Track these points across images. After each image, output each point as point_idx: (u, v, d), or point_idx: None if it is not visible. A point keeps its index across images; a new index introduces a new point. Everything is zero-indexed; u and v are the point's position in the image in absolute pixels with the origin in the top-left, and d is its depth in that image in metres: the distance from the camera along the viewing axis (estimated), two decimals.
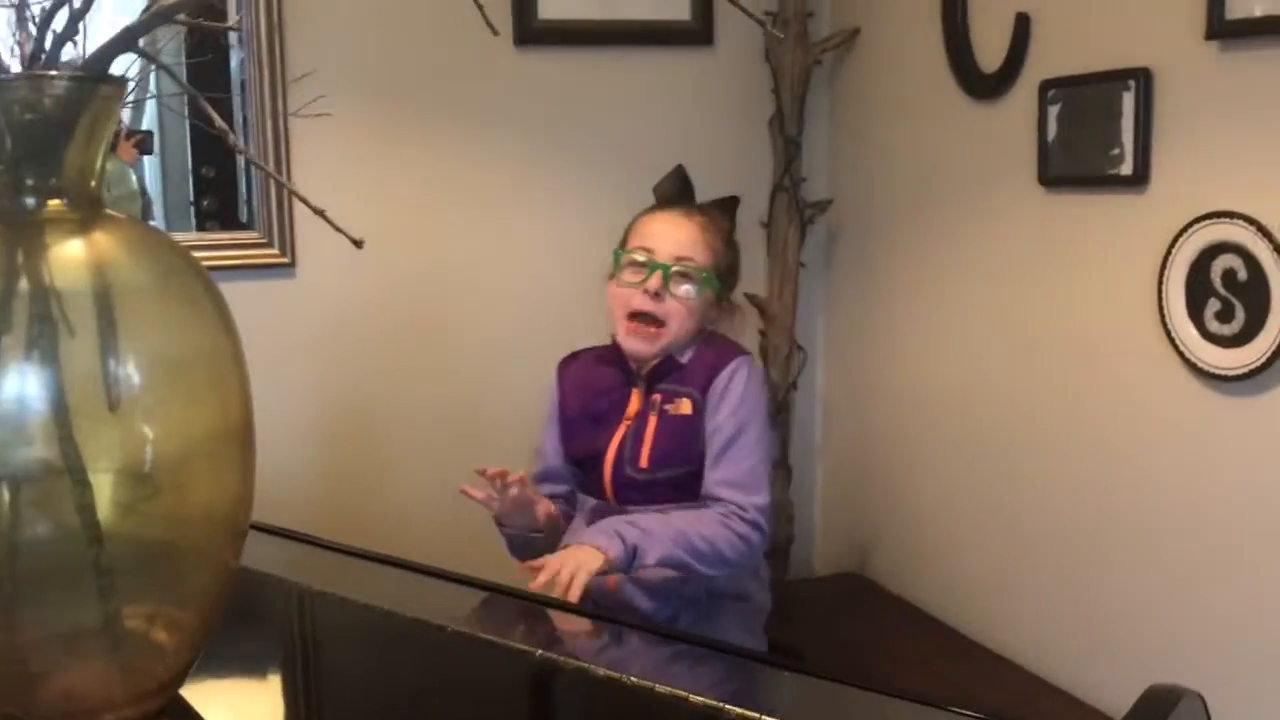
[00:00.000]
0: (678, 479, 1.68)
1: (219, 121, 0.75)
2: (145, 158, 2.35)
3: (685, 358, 1.72)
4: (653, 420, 1.68)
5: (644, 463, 1.67)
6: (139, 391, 0.83)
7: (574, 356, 1.83)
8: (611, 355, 1.76)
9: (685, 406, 1.68)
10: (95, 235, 0.86)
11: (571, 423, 1.77)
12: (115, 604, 0.83)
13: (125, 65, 0.87)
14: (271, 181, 2.33)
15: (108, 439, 0.82)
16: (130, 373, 0.83)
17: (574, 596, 1.47)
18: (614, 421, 1.72)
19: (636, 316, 1.67)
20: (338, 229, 0.74)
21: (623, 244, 1.75)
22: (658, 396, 1.70)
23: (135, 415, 0.83)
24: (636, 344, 1.69)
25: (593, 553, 1.53)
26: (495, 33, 0.76)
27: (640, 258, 1.69)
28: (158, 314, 0.88)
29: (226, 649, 1.10)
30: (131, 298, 0.86)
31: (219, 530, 0.90)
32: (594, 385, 1.76)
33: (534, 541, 1.69)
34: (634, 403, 1.72)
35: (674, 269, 1.67)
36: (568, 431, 1.77)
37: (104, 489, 0.81)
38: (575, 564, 1.50)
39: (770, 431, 1.91)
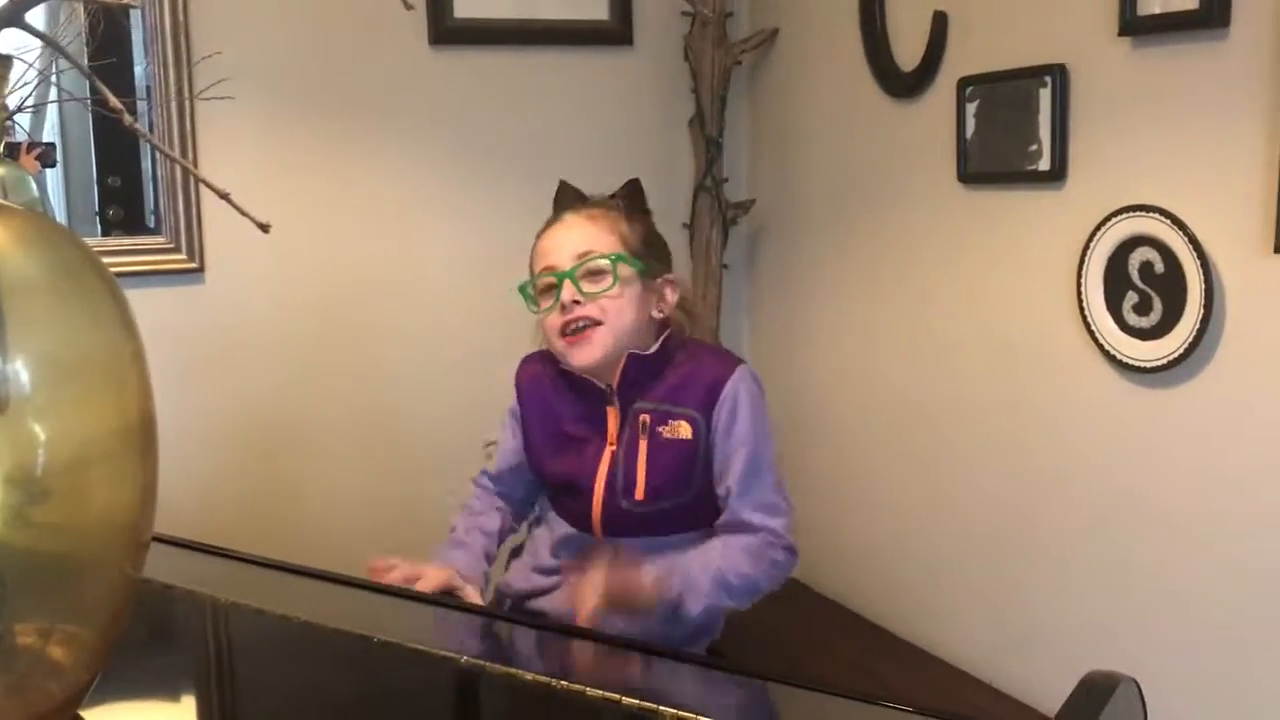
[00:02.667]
0: (677, 509, 1.52)
1: (114, 101, 0.71)
2: (48, 170, 2.27)
3: (676, 376, 1.53)
4: (644, 446, 1.51)
5: (640, 495, 1.50)
6: (29, 391, 0.78)
7: (534, 360, 1.65)
8: (572, 376, 1.57)
9: (684, 430, 1.51)
10: None
11: (540, 448, 1.60)
12: (5, 619, 0.78)
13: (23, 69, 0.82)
14: (179, 187, 2.26)
15: None
16: (19, 371, 0.77)
17: (586, 621, 1.38)
18: (594, 446, 1.55)
19: (566, 332, 1.51)
20: (243, 212, 0.70)
21: (529, 275, 1.58)
22: (646, 418, 1.52)
23: (25, 416, 0.77)
24: (580, 355, 1.51)
25: (642, 594, 1.40)
26: (409, 7, 0.72)
27: (547, 279, 1.53)
28: (51, 311, 0.82)
29: (132, 666, 1.05)
30: (22, 293, 0.80)
31: (118, 540, 0.85)
32: (561, 408, 1.59)
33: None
34: (613, 422, 1.54)
35: (578, 270, 1.51)
36: (536, 455, 1.61)
37: None
38: (622, 598, 1.39)
39: None
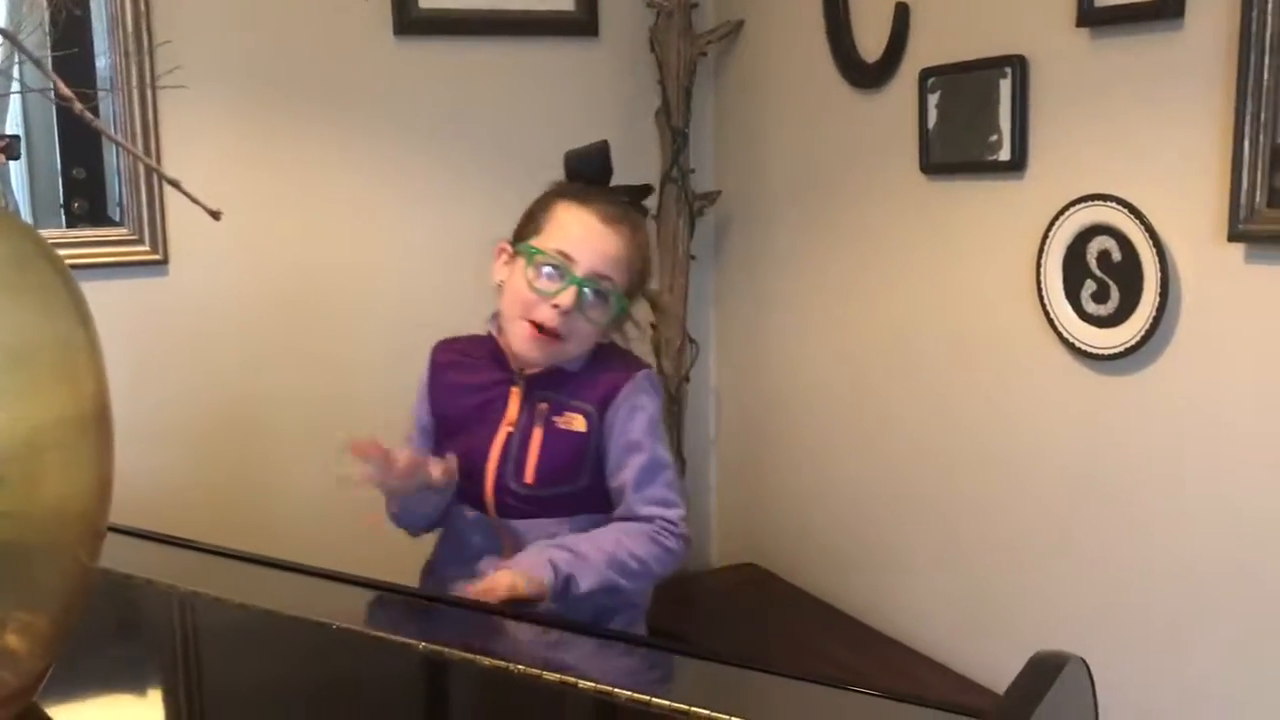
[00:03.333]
0: (567, 495, 1.56)
1: (63, 88, 0.70)
2: (12, 163, 2.26)
3: (574, 367, 1.58)
4: (538, 433, 1.54)
5: (529, 479, 1.54)
6: None
7: (448, 345, 1.67)
8: (488, 348, 1.61)
9: (578, 423, 1.54)
10: None
11: (446, 420, 1.63)
12: None
13: None
14: (142, 179, 2.25)
15: None
16: None
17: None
18: (492, 423, 1.57)
19: (537, 324, 1.51)
20: (193, 199, 0.70)
21: (535, 230, 1.55)
22: (544, 406, 1.55)
23: None
24: (532, 351, 1.53)
25: (526, 578, 1.41)
26: None
27: (556, 264, 1.51)
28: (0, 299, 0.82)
29: (91, 656, 1.05)
30: None
31: (73, 528, 0.85)
32: (468, 380, 1.61)
33: (429, 499, 1.56)
34: (514, 405, 1.57)
35: (591, 290, 1.51)
36: (441, 429, 1.63)
37: None
38: (508, 588, 1.39)
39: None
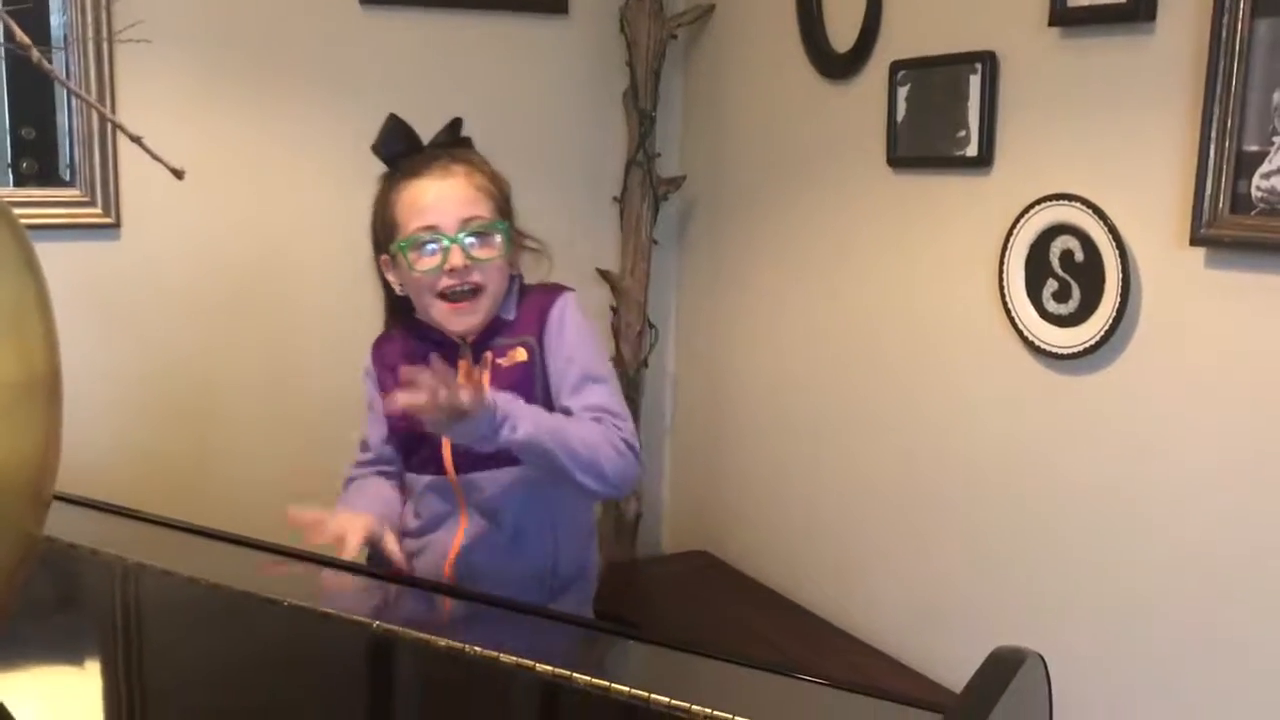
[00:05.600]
0: None
1: (20, 35, 0.67)
2: None
3: (511, 314, 1.59)
4: (486, 377, 1.54)
5: None
6: None
7: (387, 337, 1.68)
8: (429, 331, 1.60)
9: (520, 354, 1.57)
10: None
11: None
12: None
13: None
14: (95, 140, 2.19)
15: None
16: None
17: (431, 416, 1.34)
18: None
19: (449, 296, 1.53)
20: (155, 157, 0.68)
21: (394, 228, 1.56)
22: (489, 354, 1.57)
23: None
24: (461, 321, 1.55)
25: (467, 401, 1.35)
26: None
27: (426, 238, 1.52)
28: None
29: (36, 627, 1.02)
30: None
31: (18, 495, 0.82)
32: (415, 361, 1.55)
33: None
34: (464, 370, 1.55)
35: (468, 236, 1.52)
36: (394, 416, 1.60)
37: None
38: (450, 402, 1.33)
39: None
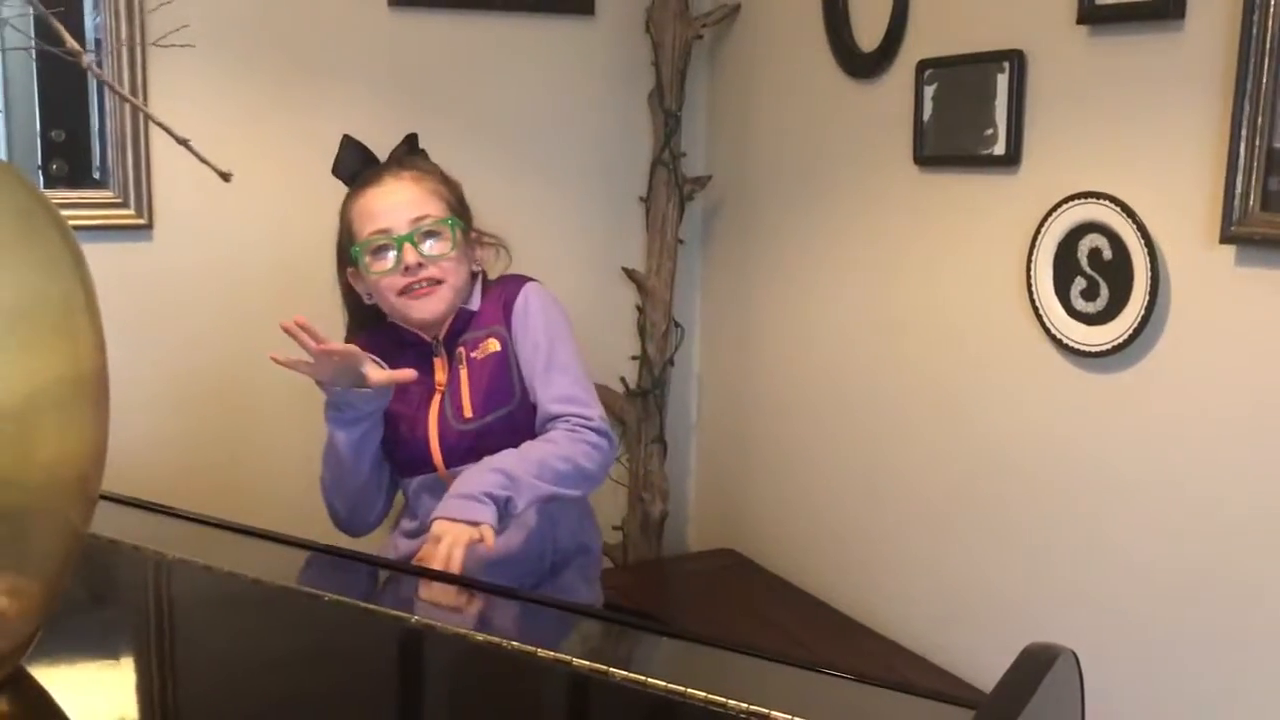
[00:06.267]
0: (505, 421, 1.63)
1: (71, 41, 0.69)
2: None
3: (476, 305, 1.69)
4: (463, 373, 1.65)
5: (469, 412, 1.63)
6: None
7: (363, 341, 1.69)
8: (401, 333, 1.69)
9: (493, 345, 1.66)
10: None
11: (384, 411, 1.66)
12: None
13: None
14: (129, 141, 2.21)
15: None
16: None
17: (455, 569, 1.40)
18: (421, 395, 1.66)
19: (408, 289, 1.62)
20: (203, 159, 0.69)
21: (352, 238, 1.67)
22: (463, 350, 1.66)
23: None
24: (425, 308, 1.63)
25: (466, 529, 1.44)
26: None
27: (381, 241, 1.62)
28: (3, 253, 0.81)
29: (78, 622, 1.03)
30: None
31: (66, 491, 0.84)
32: (390, 359, 1.65)
33: (358, 400, 1.58)
34: (440, 369, 1.67)
35: (416, 234, 1.62)
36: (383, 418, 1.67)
37: None
38: (450, 542, 1.42)
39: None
